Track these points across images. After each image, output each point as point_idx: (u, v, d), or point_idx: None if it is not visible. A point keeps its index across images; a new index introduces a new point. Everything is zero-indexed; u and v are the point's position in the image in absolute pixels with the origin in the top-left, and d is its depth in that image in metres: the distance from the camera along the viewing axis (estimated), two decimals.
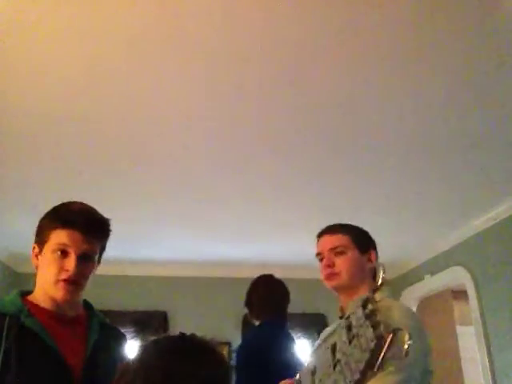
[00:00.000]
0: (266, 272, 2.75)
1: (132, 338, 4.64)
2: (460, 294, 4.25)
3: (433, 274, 4.31)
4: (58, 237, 1.28)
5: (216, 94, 2.22)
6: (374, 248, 1.60)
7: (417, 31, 1.84)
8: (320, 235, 1.61)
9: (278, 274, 2.73)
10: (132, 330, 4.62)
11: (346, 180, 3.07)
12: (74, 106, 2.29)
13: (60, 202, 1.37)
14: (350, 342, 1.20)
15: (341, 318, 1.51)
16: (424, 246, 4.25)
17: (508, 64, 1.99)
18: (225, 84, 2.15)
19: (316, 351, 1.53)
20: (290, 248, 4.37)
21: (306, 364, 1.55)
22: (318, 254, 1.58)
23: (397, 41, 1.88)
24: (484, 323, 3.56)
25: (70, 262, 1.26)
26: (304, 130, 2.50)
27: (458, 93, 2.20)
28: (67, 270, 1.26)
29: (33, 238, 1.35)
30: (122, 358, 1.38)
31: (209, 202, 3.43)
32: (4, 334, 1.16)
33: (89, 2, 1.69)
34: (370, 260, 1.55)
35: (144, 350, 0.93)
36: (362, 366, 0.99)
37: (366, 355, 1.04)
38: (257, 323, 2.59)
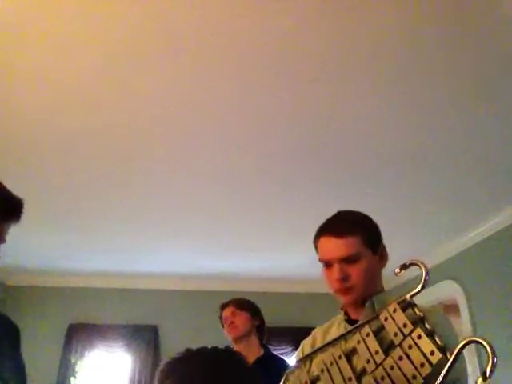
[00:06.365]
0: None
1: (123, 351, 4.61)
2: (452, 308, 4.24)
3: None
4: None
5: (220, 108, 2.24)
6: (382, 239, 1.32)
7: (405, 51, 1.87)
8: (323, 234, 1.27)
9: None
10: (123, 343, 4.58)
11: (339, 194, 3.08)
12: (76, 118, 2.28)
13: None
14: (385, 352, 1.06)
15: (348, 321, 1.28)
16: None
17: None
18: (227, 91, 2.17)
19: (305, 363, 1.27)
20: (281, 262, 4.36)
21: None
22: (323, 261, 1.27)
23: (388, 59, 1.92)
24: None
25: None
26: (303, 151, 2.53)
27: (448, 111, 2.24)
28: None
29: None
30: (9, 348, 1.29)
31: (201, 217, 3.43)
32: None
33: (91, 5, 1.70)
34: (382, 258, 1.31)
35: (187, 358, 0.96)
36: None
37: (425, 371, 0.91)
38: None
